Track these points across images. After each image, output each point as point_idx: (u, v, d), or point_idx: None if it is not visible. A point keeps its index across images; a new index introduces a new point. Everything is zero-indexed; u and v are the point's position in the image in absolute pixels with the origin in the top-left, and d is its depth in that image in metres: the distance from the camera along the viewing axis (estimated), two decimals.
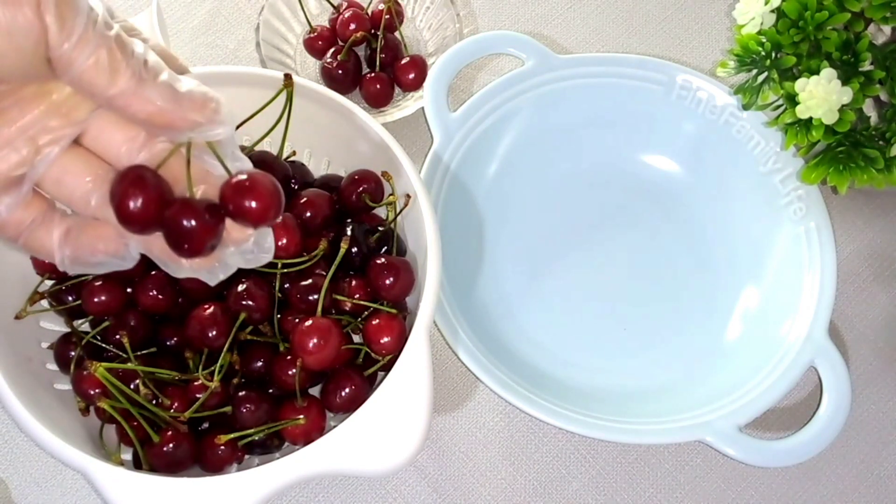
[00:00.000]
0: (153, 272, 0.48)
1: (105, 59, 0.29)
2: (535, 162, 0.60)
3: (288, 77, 0.50)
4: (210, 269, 0.35)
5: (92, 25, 0.29)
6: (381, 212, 0.53)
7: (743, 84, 0.54)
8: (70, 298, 0.48)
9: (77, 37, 0.28)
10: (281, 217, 0.34)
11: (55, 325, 0.50)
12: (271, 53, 0.61)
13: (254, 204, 0.32)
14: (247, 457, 0.47)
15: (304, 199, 0.50)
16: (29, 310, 0.47)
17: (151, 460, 0.44)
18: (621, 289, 0.58)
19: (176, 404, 0.45)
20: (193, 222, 0.31)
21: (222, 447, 0.45)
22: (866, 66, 0.49)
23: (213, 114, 0.31)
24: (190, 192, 0.32)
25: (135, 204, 0.31)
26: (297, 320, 0.46)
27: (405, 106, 0.61)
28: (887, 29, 0.50)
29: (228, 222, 0.33)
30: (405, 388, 0.42)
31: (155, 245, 0.34)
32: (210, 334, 0.45)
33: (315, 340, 0.44)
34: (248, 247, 0.35)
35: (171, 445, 0.44)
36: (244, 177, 0.33)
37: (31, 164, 0.31)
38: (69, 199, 0.34)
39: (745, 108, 0.53)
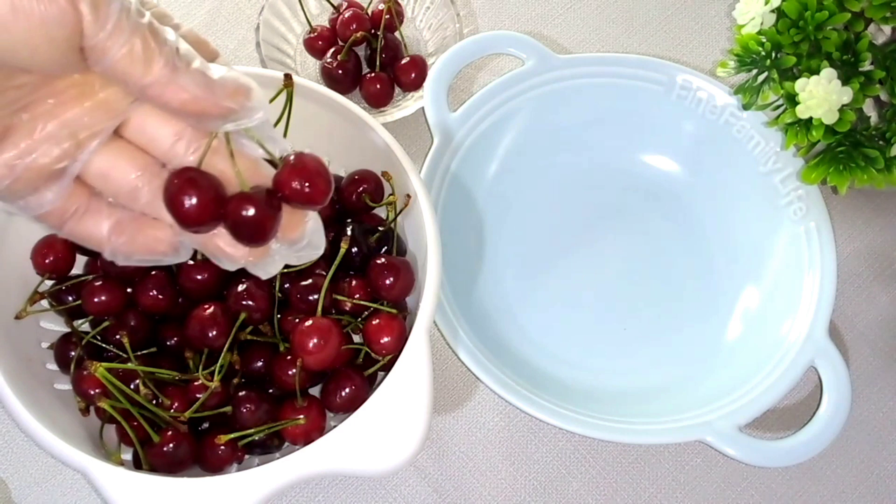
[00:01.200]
0: (153, 272, 0.48)
1: (139, 48, 0.29)
2: (535, 162, 0.60)
3: (288, 77, 0.50)
4: (262, 264, 0.36)
5: (126, 14, 0.28)
6: (381, 212, 0.53)
7: (743, 84, 0.54)
8: (70, 298, 0.48)
9: (112, 25, 0.28)
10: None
11: (55, 325, 0.50)
12: (271, 53, 0.61)
13: (308, 186, 0.33)
14: (247, 457, 0.47)
15: None
16: (29, 310, 0.47)
17: (151, 460, 0.44)
18: (621, 289, 0.58)
19: (176, 404, 0.45)
20: (255, 212, 0.32)
21: (222, 447, 0.45)
22: (866, 66, 0.49)
23: (246, 100, 0.31)
24: (241, 180, 0.32)
25: (190, 203, 0.31)
26: (297, 320, 0.46)
27: (405, 106, 0.61)
28: (887, 29, 0.50)
29: (283, 221, 0.33)
30: (405, 388, 0.42)
31: (210, 243, 0.35)
32: (210, 334, 0.45)
33: (315, 340, 0.44)
34: (300, 244, 0.35)
35: (171, 445, 0.44)
36: (293, 160, 0.33)
37: (73, 157, 0.32)
38: (117, 193, 0.34)
39: (745, 108, 0.53)
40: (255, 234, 0.32)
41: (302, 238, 0.35)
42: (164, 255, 0.35)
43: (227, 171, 0.33)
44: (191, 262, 0.47)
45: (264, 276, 0.37)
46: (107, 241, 0.34)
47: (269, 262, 0.36)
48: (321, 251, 0.37)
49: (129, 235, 0.34)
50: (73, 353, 0.47)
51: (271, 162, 0.34)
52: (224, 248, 0.35)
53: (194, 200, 0.31)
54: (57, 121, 0.31)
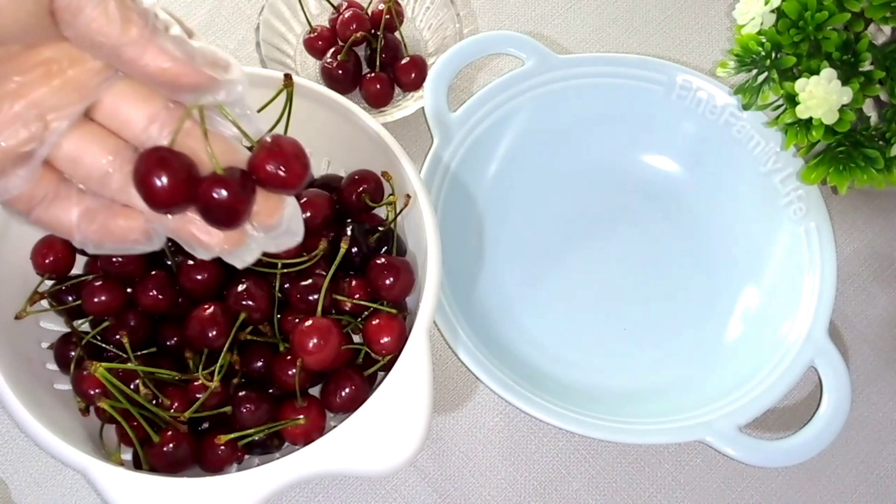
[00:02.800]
0: (153, 272, 0.48)
1: (114, 7, 0.27)
2: (534, 162, 0.60)
3: (288, 77, 0.49)
4: (238, 252, 0.34)
5: None
6: (381, 212, 0.53)
7: (743, 84, 0.54)
8: (70, 298, 0.48)
9: None
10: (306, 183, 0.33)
11: (55, 325, 0.50)
12: (271, 53, 0.61)
13: (284, 170, 0.32)
14: (247, 457, 0.47)
15: (304, 199, 0.50)
16: (29, 310, 0.47)
17: (151, 460, 0.44)
18: (621, 289, 0.58)
19: (176, 404, 0.45)
20: (227, 194, 0.31)
21: (222, 447, 0.45)
22: (866, 66, 0.49)
23: (225, 72, 0.30)
24: (214, 161, 0.31)
25: (161, 184, 0.30)
26: (297, 320, 0.46)
27: (405, 106, 0.61)
28: (887, 29, 0.50)
29: (258, 206, 0.32)
30: (405, 388, 0.42)
31: (184, 230, 0.33)
32: (210, 334, 0.45)
33: (315, 340, 0.44)
34: (278, 230, 0.34)
35: (171, 445, 0.44)
36: (269, 142, 0.32)
37: (41, 140, 0.30)
38: (87, 178, 0.32)
39: (745, 108, 0.53)
40: (227, 217, 0.31)
41: (279, 224, 0.34)
42: (136, 244, 0.33)
43: (201, 152, 0.31)
44: (191, 263, 0.47)
45: (240, 265, 0.35)
46: (76, 228, 0.32)
47: (244, 250, 0.34)
48: (300, 238, 0.35)
49: (100, 223, 0.32)
50: (73, 353, 0.47)
51: (249, 148, 0.33)
52: (198, 234, 0.33)
53: (165, 181, 0.30)
54: (24, 101, 0.29)
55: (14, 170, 0.30)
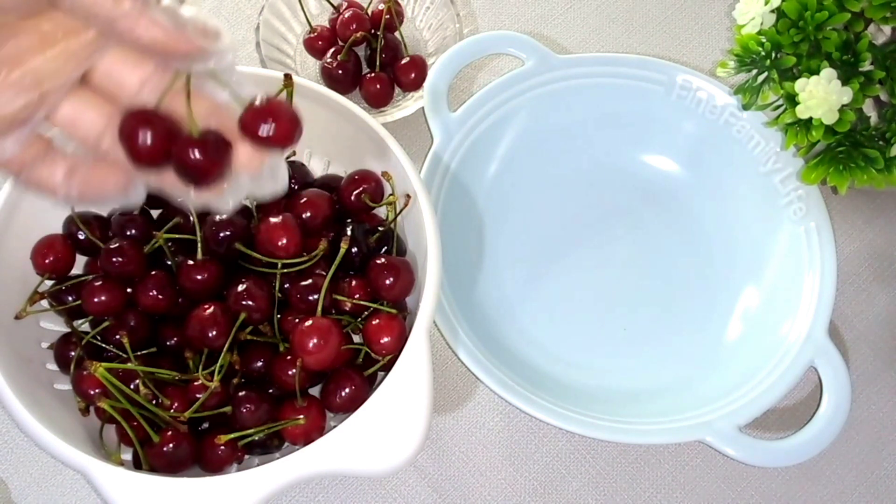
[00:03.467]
0: (153, 272, 0.48)
1: None
2: (535, 162, 0.60)
3: (288, 77, 0.49)
4: (223, 198, 0.35)
5: None
6: (381, 212, 0.53)
7: (743, 84, 0.54)
8: (70, 298, 0.48)
9: None
10: (298, 142, 0.34)
11: (55, 325, 0.50)
12: (271, 53, 0.61)
13: (274, 128, 0.33)
14: (247, 457, 0.47)
15: (304, 199, 0.50)
16: (29, 310, 0.47)
17: (151, 460, 0.44)
18: (621, 289, 0.58)
19: (176, 404, 0.45)
20: (199, 155, 0.32)
21: (222, 447, 0.45)
22: (866, 66, 0.49)
23: (216, 41, 0.31)
24: (191, 123, 0.32)
25: (143, 140, 0.32)
26: (297, 320, 0.46)
27: (405, 106, 0.61)
28: (887, 29, 0.50)
29: (242, 149, 0.34)
30: (405, 388, 0.42)
31: (166, 179, 0.34)
32: (210, 334, 0.45)
33: (315, 340, 0.44)
34: (262, 175, 0.35)
35: (171, 445, 0.44)
36: (261, 102, 0.33)
37: (37, 106, 0.31)
38: (84, 138, 0.34)
39: (745, 108, 0.53)
40: (200, 177, 0.33)
41: (260, 169, 0.35)
42: (115, 195, 0.35)
43: (195, 112, 0.33)
44: (190, 262, 0.47)
45: (225, 211, 0.36)
46: (61, 185, 0.34)
47: (228, 193, 0.35)
48: (282, 186, 0.36)
49: (82, 178, 0.34)
50: (73, 353, 0.47)
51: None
52: (174, 185, 0.34)
53: (147, 140, 0.32)
54: (21, 69, 0.30)
55: (10, 134, 0.32)
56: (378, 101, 0.62)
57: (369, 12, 0.63)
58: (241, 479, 0.40)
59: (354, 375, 0.47)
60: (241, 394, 0.46)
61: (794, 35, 0.50)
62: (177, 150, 0.32)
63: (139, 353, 0.47)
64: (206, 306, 0.46)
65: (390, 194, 0.50)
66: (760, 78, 0.52)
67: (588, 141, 0.61)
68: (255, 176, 0.35)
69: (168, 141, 0.32)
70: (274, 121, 0.33)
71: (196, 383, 0.45)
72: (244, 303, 0.46)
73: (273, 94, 0.34)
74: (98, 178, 0.34)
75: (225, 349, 0.45)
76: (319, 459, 0.41)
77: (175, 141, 0.32)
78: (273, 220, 0.47)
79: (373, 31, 0.62)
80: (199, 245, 0.47)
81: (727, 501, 0.53)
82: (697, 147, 0.60)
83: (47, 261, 0.48)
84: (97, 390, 0.44)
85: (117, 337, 0.46)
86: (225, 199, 0.35)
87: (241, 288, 0.46)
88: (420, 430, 0.41)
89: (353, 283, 0.48)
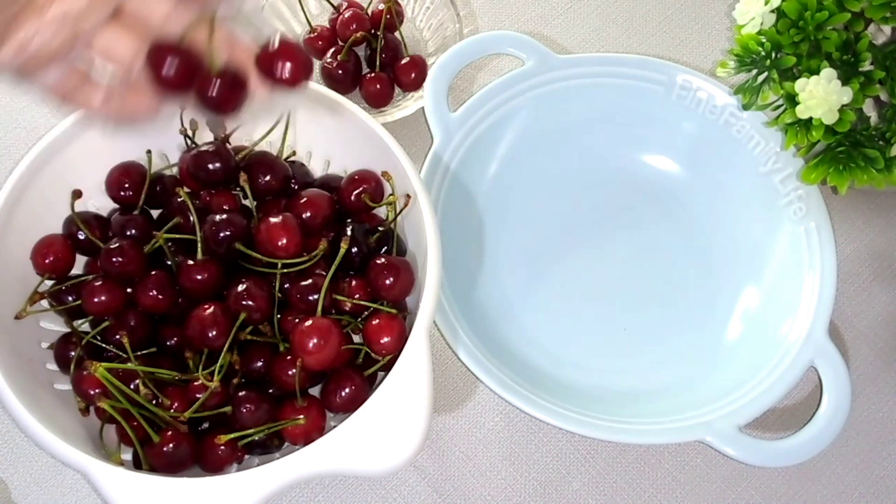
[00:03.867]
0: (153, 272, 0.48)
1: None
2: (534, 162, 0.60)
3: None
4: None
5: None
6: (381, 212, 0.53)
7: (743, 84, 0.54)
8: (70, 298, 0.48)
9: None
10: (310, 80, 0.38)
11: (55, 325, 0.50)
12: None
13: (289, 68, 0.36)
14: (247, 457, 0.47)
15: (304, 199, 0.50)
16: (29, 310, 0.47)
17: (151, 460, 0.44)
18: (621, 289, 0.58)
19: (176, 404, 0.45)
20: (216, 92, 0.36)
21: (222, 447, 0.45)
22: (866, 66, 0.49)
23: None
24: (212, 62, 0.36)
25: (167, 71, 0.36)
26: (297, 320, 0.46)
27: (405, 106, 0.61)
28: (887, 29, 0.50)
29: (254, 83, 0.37)
30: (405, 388, 0.42)
31: (188, 103, 0.38)
32: (210, 334, 0.45)
33: (315, 340, 0.44)
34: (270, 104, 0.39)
35: (171, 445, 0.44)
36: (277, 43, 0.37)
37: (74, 40, 0.35)
38: (119, 63, 0.37)
39: (745, 108, 0.53)
40: (215, 108, 0.37)
41: (269, 101, 0.39)
42: (146, 117, 0.39)
43: (209, 49, 0.36)
44: (190, 262, 0.47)
45: (238, 125, 0.43)
46: (100, 108, 0.38)
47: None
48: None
49: (117, 103, 0.38)
50: (73, 353, 0.47)
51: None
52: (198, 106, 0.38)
53: (171, 71, 0.35)
54: (60, 9, 0.34)
55: (53, 65, 0.36)
56: (378, 101, 0.62)
57: (369, 12, 0.63)
58: (241, 479, 0.40)
59: (354, 375, 0.47)
60: (241, 394, 0.46)
61: (794, 35, 0.50)
62: (197, 85, 0.36)
63: (139, 353, 0.47)
64: (206, 306, 0.46)
65: (390, 194, 0.50)
66: (760, 78, 0.52)
67: (588, 141, 0.61)
68: (263, 106, 0.38)
69: (189, 72, 0.36)
70: (288, 62, 0.36)
71: (196, 383, 0.45)
72: (244, 303, 0.46)
73: (287, 37, 0.37)
74: (131, 102, 0.38)
75: (225, 349, 0.45)
76: (319, 459, 0.41)
77: (196, 73, 0.36)
78: (273, 220, 0.47)
79: (373, 31, 0.62)
80: (199, 245, 0.47)
81: (727, 501, 0.53)
82: (697, 147, 0.60)
83: (47, 261, 0.48)
84: (97, 390, 0.44)
85: (117, 337, 0.46)
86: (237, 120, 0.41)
87: (241, 288, 0.46)
88: (420, 430, 0.41)
89: (353, 283, 0.49)
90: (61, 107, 0.38)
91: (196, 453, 0.45)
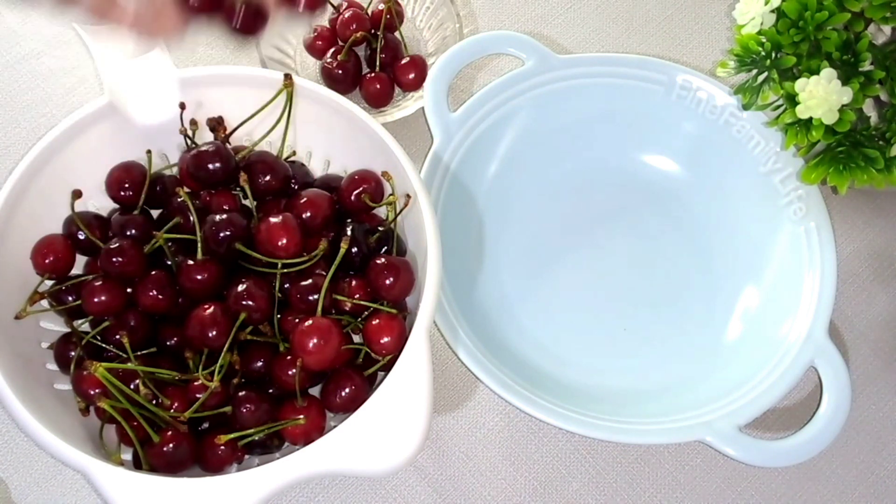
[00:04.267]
0: (153, 272, 0.48)
1: None
2: (535, 162, 0.60)
3: (288, 77, 0.50)
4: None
5: None
6: (381, 212, 0.53)
7: (743, 84, 0.54)
8: (70, 298, 0.48)
9: None
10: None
11: (55, 325, 0.50)
12: (271, 53, 0.61)
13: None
14: (247, 457, 0.47)
15: (304, 199, 0.50)
16: (29, 310, 0.47)
17: (151, 460, 0.44)
18: (621, 289, 0.58)
19: (176, 404, 0.45)
20: (240, 23, 0.39)
21: (222, 447, 0.45)
22: (866, 66, 0.49)
23: None
24: None
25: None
26: (297, 320, 0.46)
27: (405, 106, 0.61)
28: (887, 29, 0.50)
29: (274, 9, 0.40)
30: (405, 388, 0.42)
31: (213, 25, 0.40)
32: (210, 334, 0.45)
33: (315, 340, 0.44)
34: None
35: (171, 445, 0.44)
36: None
37: None
38: None
39: (745, 108, 0.53)
40: (239, 35, 0.39)
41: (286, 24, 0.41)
42: (173, 36, 0.40)
43: None
44: (190, 262, 0.47)
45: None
46: (131, 27, 0.39)
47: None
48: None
49: (148, 23, 0.40)
50: (73, 353, 0.47)
51: None
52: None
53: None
54: None
55: None
56: (378, 101, 0.62)
57: (369, 12, 0.63)
58: (241, 479, 0.40)
59: (354, 375, 0.47)
60: (241, 394, 0.46)
61: (794, 35, 0.50)
62: (223, 14, 0.39)
63: (139, 353, 0.47)
64: (206, 306, 0.46)
65: (390, 194, 0.50)
66: (760, 78, 0.52)
67: (588, 141, 0.61)
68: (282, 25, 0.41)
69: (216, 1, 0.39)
70: None
71: (196, 383, 0.45)
72: (244, 303, 0.46)
73: None
74: (159, 23, 0.40)
75: (225, 349, 0.45)
76: (319, 459, 0.41)
77: (221, 2, 0.39)
78: (273, 220, 0.47)
79: (373, 31, 0.62)
80: (199, 245, 0.47)
81: (727, 501, 0.53)
82: (697, 147, 0.60)
83: (47, 261, 0.48)
84: (97, 390, 0.44)
85: (117, 337, 0.46)
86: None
87: (241, 288, 0.46)
88: (420, 430, 0.41)
89: (353, 283, 0.49)
90: (99, 23, 0.40)
91: (196, 453, 0.45)
